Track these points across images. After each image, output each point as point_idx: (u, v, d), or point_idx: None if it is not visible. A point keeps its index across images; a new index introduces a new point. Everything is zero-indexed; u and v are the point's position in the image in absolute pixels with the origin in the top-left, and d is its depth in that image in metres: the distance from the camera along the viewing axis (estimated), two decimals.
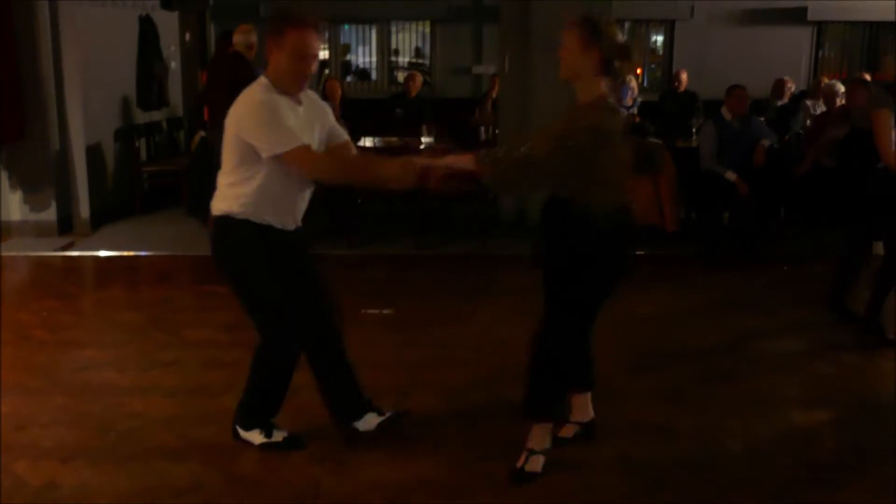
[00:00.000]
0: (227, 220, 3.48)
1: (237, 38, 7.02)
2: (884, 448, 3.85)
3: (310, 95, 3.60)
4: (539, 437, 3.56)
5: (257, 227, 3.46)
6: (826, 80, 8.95)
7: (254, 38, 7.01)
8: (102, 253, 7.24)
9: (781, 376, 4.68)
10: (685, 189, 7.51)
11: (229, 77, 6.44)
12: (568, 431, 3.82)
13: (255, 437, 3.74)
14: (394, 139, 8.47)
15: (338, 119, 8.81)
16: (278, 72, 3.36)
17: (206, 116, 7.60)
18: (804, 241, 7.60)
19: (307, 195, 3.60)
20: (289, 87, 3.38)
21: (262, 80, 3.40)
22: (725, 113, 7.10)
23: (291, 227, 3.57)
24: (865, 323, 5.16)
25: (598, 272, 3.38)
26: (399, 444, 3.77)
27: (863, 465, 3.72)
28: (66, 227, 7.83)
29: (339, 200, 7.56)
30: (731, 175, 6.91)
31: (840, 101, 8.01)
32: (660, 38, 12.92)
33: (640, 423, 4.04)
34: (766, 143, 7.15)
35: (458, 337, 5.16)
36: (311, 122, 3.51)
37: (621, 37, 3.38)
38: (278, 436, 3.76)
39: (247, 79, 3.71)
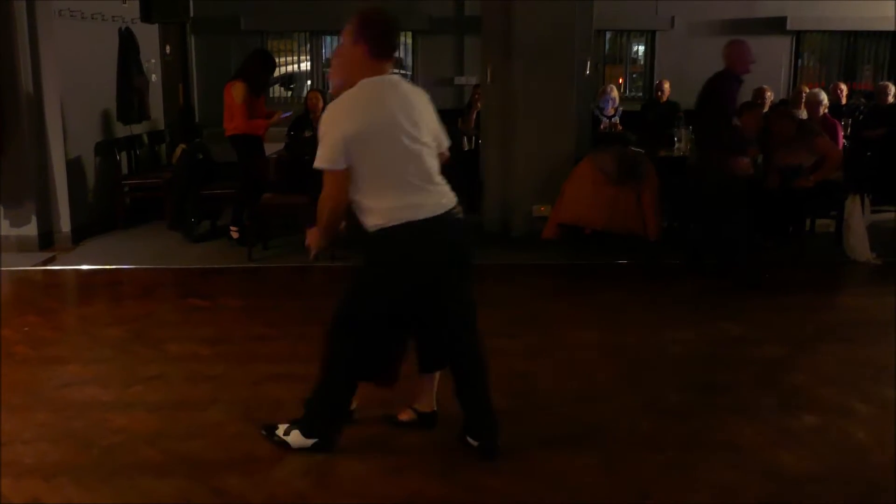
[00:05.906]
0: None
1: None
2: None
3: None
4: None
5: None
6: (806, 89, 9.03)
7: None
8: (84, 267, 7.19)
9: (763, 384, 4.69)
10: (668, 198, 7.57)
11: None
12: (405, 415, 3.99)
13: None
14: None
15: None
16: None
17: None
18: (785, 248, 7.63)
19: None
20: None
21: None
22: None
23: None
24: None
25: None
26: (386, 457, 3.75)
27: (848, 467, 3.74)
28: (47, 241, 7.77)
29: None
30: None
31: (823, 110, 8.09)
32: (641, 48, 12.99)
33: (624, 431, 4.05)
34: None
35: None
36: None
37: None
38: None
39: None
